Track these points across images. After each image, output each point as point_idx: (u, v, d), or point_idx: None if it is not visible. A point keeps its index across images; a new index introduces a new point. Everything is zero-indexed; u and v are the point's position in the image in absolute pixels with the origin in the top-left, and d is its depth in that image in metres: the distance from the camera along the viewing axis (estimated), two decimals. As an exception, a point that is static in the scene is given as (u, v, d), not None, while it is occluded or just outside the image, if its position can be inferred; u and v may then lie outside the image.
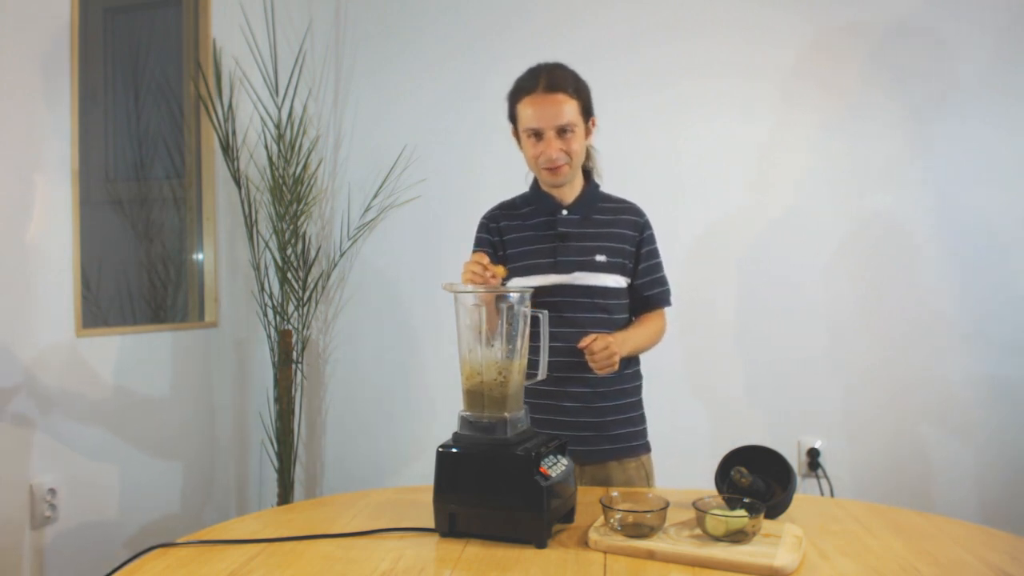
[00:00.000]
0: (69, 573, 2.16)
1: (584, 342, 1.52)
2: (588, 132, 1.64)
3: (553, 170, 1.60)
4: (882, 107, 2.47)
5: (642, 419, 1.72)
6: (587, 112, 1.62)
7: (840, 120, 2.50)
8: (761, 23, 2.54)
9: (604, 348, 1.50)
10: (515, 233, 1.70)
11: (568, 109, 1.56)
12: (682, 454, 2.56)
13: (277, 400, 2.75)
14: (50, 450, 2.11)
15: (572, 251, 1.64)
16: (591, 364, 1.52)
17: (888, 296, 2.47)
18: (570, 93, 1.57)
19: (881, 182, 2.47)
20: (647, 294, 1.68)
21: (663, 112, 2.61)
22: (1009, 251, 2.38)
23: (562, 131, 1.57)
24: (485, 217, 1.75)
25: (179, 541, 1.21)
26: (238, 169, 2.71)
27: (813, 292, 2.52)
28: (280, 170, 2.73)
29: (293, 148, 2.76)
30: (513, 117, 1.64)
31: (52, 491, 2.11)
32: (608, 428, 1.64)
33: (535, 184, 1.72)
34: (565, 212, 1.67)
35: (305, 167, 2.79)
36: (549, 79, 1.56)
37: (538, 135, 1.58)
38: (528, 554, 1.14)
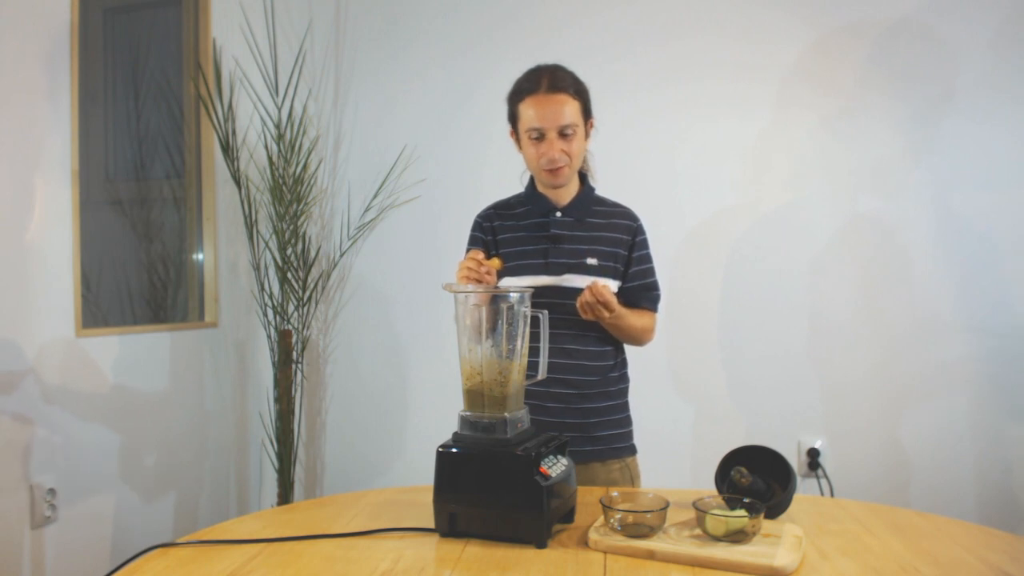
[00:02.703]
0: (69, 573, 2.16)
1: (594, 287, 1.49)
2: (587, 134, 1.65)
3: (554, 171, 1.60)
4: (880, 107, 2.47)
5: (627, 421, 1.71)
6: (587, 113, 1.63)
7: (838, 120, 2.50)
8: (758, 23, 2.54)
9: (603, 294, 1.48)
10: (509, 233, 1.70)
11: (570, 110, 1.56)
12: (681, 455, 2.57)
13: (277, 400, 2.75)
14: (50, 450, 2.11)
15: (564, 253, 1.64)
16: (583, 298, 1.50)
17: (888, 296, 2.47)
18: (572, 94, 1.57)
19: (882, 183, 2.47)
20: (635, 298, 1.68)
21: (660, 112, 2.61)
22: (1008, 251, 2.38)
23: (564, 132, 1.57)
24: (479, 216, 1.75)
25: (179, 541, 1.21)
26: (238, 169, 2.71)
27: (813, 291, 2.52)
28: (280, 170, 2.73)
29: (293, 148, 2.76)
30: (513, 118, 1.64)
31: (52, 491, 2.11)
32: (591, 429, 1.64)
33: (531, 184, 1.72)
34: (559, 214, 1.67)
35: (305, 167, 2.79)
36: (552, 80, 1.57)
37: (540, 135, 1.58)
38: (528, 554, 1.14)
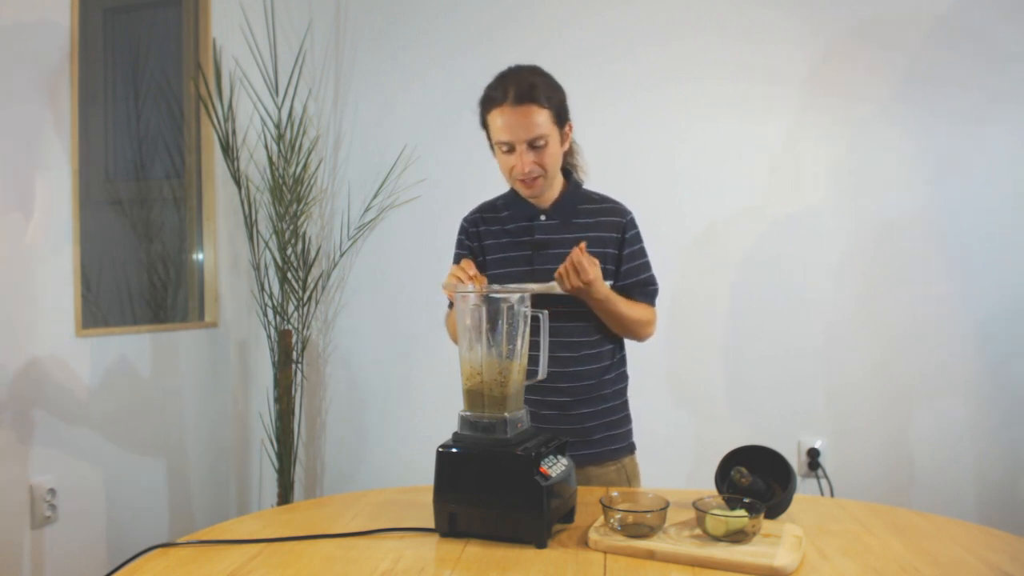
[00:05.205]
0: (69, 573, 2.16)
1: (576, 251, 1.45)
2: (565, 138, 1.58)
3: (527, 183, 1.56)
4: (880, 107, 2.46)
5: (625, 420, 1.69)
6: (561, 119, 1.55)
7: (837, 120, 2.50)
8: (759, 23, 2.54)
9: (583, 263, 1.44)
10: (493, 239, 1.66)
11: (540, 121, 1.49)
12: (681, 455, 2.57)
13: (277, 400, 2.75)
14: (50, 450, 2.11)
15: (550, 259, 1.58)
16: (566, 265, 1.46)
17: (888, 296, 2.47)
18: (541, 103, 1.49)
19: (882, 183, 2.47)
20: (631, 295, 1.64)
21: (660, 112, 2.61)
22: (1011, 254, 2.38)
23: (534, 144, 1.51)
24: (465, 220, 1.71)
25: (179, 541, 1.21)
26: (238, 169, 2.71)
27: (814, 292, 2.52)
28: (280, 170, 2.73)
29: (293, 148, 2.76)
30: (484, 125, 1.58)
31: (52, 491, 2.11)
32: (588, 433, 1.61)
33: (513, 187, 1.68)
34: (543, 217, 1.62)
35: (305, 167, 2.79)
36: (518, 90, 1.49)
37: (510, 148, 1.52)
38: (528, 554, 1.14)
